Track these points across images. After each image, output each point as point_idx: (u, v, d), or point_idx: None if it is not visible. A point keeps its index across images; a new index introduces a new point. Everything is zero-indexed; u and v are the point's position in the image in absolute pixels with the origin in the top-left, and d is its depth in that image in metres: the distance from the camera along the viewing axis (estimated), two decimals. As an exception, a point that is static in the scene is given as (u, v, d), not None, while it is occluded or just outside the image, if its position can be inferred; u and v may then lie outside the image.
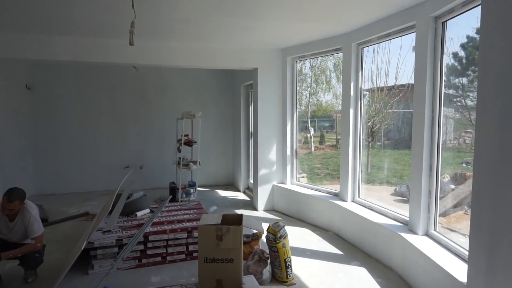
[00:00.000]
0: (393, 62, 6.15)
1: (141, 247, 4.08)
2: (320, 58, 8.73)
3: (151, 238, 4.10)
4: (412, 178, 3.80)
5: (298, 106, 6.29)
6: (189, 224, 4.38)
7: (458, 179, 5.29)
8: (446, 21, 3.44)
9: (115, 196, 4.18)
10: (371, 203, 4.73)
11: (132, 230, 4.13)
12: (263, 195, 6.37)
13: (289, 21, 4.41)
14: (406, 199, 5.55)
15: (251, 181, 7.63)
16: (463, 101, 4.95)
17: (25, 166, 7.24)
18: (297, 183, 6.28)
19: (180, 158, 6.81)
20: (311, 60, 8.30)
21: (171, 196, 6.33)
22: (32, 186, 7.38)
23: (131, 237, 3.99)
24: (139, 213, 4.68)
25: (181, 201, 6.50)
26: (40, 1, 3.55)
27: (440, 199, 3.75)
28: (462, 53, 4.38)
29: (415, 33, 3.75)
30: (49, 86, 7.52)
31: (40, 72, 7.42)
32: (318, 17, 4.23)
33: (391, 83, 6.95)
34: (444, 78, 3.55)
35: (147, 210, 4.83)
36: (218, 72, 8.42)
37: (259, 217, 5.93)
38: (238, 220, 3.17)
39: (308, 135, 10.99)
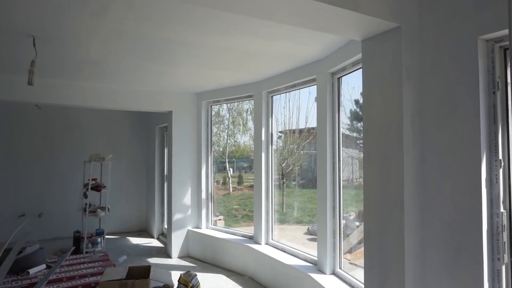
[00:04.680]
0: (303, 106, 6.66)
1: (32, 310, 3.58)
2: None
3: (45, 299, 3.63)
4: (318, 219, 4.04)
5: (216, 147, 6.35)
6: (93, 279, 3.99)
7: (362, 216, 5.74)
8: (341, 76, 3.89)
9: (3, 251, 3.66)
10: (284, 245, 4.87)
11: (21, 291, 3.62)
12: (177, 241, 6.13)
13: (203, 68, 4.56)
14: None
15: (166, 226, 7.33)
16: (365, 143, 5.49)
17: None
18: (212, 227, 6.20)
19: (86, 204, 6.28)
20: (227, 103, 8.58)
21: (75, 247, 5.76)
22: None
23: (19, 300, 3.49)
24: (32, 270, 4.14)
25: (86, 252, 5.92)
26: None
27: (347, 237, 4.02)
28: (362, 101, 4.93)
29: (316, 85, 4.15)
30: None
31: None
32: (230, 66, 4.46)
33: (302, 126, 7.46)
34: (348, 122, 3.96)
35: (43, 266, 4.31)
36: (132, 113, 8.18)
37: (172, 265, 5.66)
38: (145, 272, 3.01)
39: (227, 175, 11.05)
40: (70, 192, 7.49)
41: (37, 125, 7.39)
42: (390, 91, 2.27)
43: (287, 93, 5.14)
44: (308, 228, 7.41)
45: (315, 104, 4.20)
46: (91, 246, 6.11)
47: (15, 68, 4.45)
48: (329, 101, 3.92)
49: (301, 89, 4.78)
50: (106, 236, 6.51)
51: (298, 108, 6.79)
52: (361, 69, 3.54)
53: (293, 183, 8.38)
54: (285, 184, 7.73)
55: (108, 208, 6.47)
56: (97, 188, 6.44)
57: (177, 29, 3.16)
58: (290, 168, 7.88)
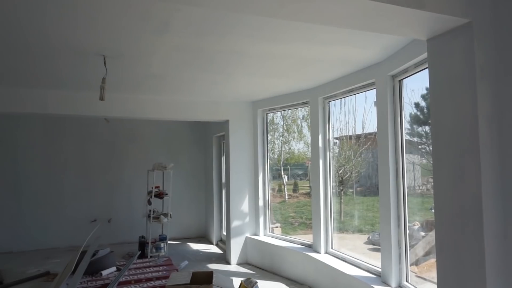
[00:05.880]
0: (359, 112, 6.44)
1: (105, 310, 3.82)
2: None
3: (116, 300, 3.86)
4: (382, 228, 3.86)
5: (271, 155, 6.37)
6: (158, 282, 4.19)
7: (428, 226, 5.39)
8: (403, 79, 3.70)
9: (80, 253, 3.97)
10: (344, 254, 4.71)
11: (95, 292, 3.89)
12: (236, 248, 6.21)
13: (258, 77, 4.61)
14: (379, 247, 5.56)
15: (224, 233, 7.46)
16: (427, 148, 5.18)
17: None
18: (270, 235, 6.19)
19: (150, 210, 6.62)
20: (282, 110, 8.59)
21: (140, 251, 6.07)
22: (-11, 244, 6.89)
23: (94, 300, 3.74)
24: (104, 272, 4.44)
25: (151, 256, 6.22)
26: (9, 54, 3.56)
27: (412, 247, 3.79)
28: (423, 103, 4.67)
29: (375, 89, 4.00)
30: (10, 138, 7.28)
31: (-1, 123, 7.21)
32: (285, 74, 4.46)
33: (358, 131, 7.21)
34: (408, 127, 3.76)
35: (114, 268, 4.60)
36: (190, 123, 8.50)
37: (232, 272, 5.74)
38: (208, 278, 3.07)
39: (282, 183, 11.02)
40: (135, 199, 7.95)
41: (105, 137, 7.97)
42: (462, 92, 2.11)
43: (342, 100, 5.02)
44: (369, 237, 7.10)
45: (373, 109, 4.04)
46: (155, 250, 6.41)
47: (85, 85, 4.85)
48: (390, 105, 3.76)
49: (357, 94, 4.65)
50: (168, 242, 6.78)
51: (354, 114, 6.59)
52: (424, 71, 3.37)
53: (350, 190, 8.11)
54: (342, 192, 7.52)
55: (170, 214, 6.75)
56: (160, 195, 6.75)
57: (234, 40, 3.23)
58: (348, 175, 7.65)
